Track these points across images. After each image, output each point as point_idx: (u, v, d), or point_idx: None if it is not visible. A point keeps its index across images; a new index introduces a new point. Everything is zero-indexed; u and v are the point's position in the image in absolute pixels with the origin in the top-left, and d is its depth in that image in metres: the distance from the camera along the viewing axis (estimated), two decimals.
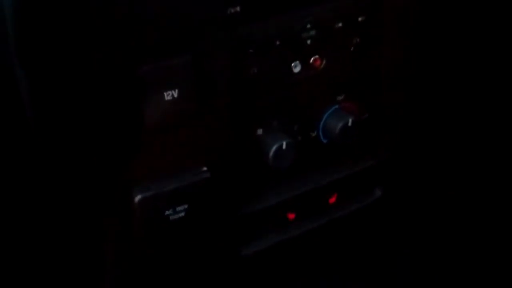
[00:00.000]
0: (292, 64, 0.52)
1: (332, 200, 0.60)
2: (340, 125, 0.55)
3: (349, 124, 0.55)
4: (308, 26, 0.51)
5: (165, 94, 0.43)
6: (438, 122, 0.61)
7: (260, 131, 0.53)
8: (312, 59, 0.53)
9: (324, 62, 0.53)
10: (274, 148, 0.52)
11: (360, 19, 0.53)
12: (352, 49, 0.54)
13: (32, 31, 0.40)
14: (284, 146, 0.52)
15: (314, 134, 0.56)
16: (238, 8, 0.47)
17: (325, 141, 0.57)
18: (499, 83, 0.63)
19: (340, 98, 0.56)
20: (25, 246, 0.46)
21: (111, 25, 0.40)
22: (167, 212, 0.47)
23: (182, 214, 0.47)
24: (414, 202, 0.66)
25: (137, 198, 0.46)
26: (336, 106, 0.56)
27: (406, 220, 0.67)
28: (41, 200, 0.45)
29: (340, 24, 0.52)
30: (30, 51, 0.40)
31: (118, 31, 0.41)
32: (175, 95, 0.43)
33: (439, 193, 0.67)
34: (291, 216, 0.58)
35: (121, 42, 0.41)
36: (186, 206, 0.47)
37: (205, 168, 0.48)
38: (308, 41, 0.51)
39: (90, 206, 0.46)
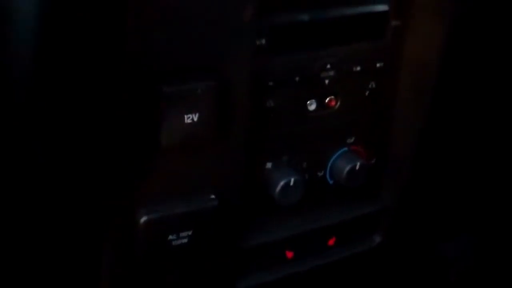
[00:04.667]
0: (308, 102, 0.52)
1: (332, 241, 0.59)
2: (348, 167, 0.55)
3: (357, 167, 0.55)
4: (328, 66, 0.51)
5: (185, 116, 0.42)
6: (445, 175, 0.62)
7: (269, 165, 0.53)
8: (328, 99, 0.53)
9: (339, 103, 0.54)
10: (281, 183, 0.52)
11: (378, 65, 0.54)
12: (367, 93, 0.55)
13: (55, 46, 0.40)
14: (291, 183, 0.52)
15: (321, 174, 0.56)
16: (263, 41, 0.47)
17: (331, 182, 0.57)
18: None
19: (350, 140, 0.56)
20: (24, 259, 0.45)
21: (142, 45, 0.40)
22: (170, 237, 0.46)
23: (185, 240, 0.47)
24: (414, 251, 0.66)
25: (143, 219, 0.45)
26: (346, 149, 0.56)
27: (405, 268, 0.67)
28: (44, 213, 0.44)
29: (358, 68, 0.53)
30: (52, 65, 0.40)
31: (147, 52, 0.41)
32: (195, 119, 0.43)
33: (439, 245, 0.67)
34: (290, 254, 0.57)
35: (148, 62, 0.41)
36: (190, 233, 0.47)
37: (213, 196, 0.48)
38: (326, 81, 0.52)
39: (93, 222, 0.45)
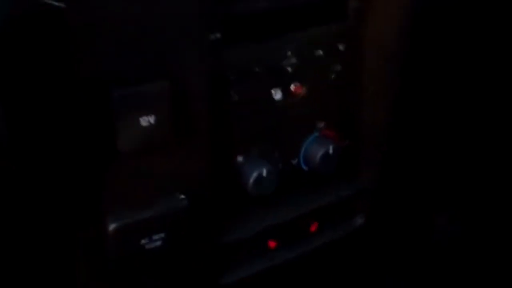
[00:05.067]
0: (273, 91, 0.52)
1: (314, 228, 0.59)
2: (320, 152, 0.54)
3: (330, 151, 0.55)
4: (289, 53, 0.51)
5: (140, 119, 0.42)
6: (420, 149, 0.61)
7: (240, 158, 0.52)
8: (292, 86, 0.53)
9: (304, 89, 0.53)
10: (254, 175, 0.51)
11: (341, 47, 0.53)
12: (333, 76, 0.54)
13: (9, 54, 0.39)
14: (264, 174, 0.52)
15: (295, 162, 0.56)
16: (219, 35, 0.46)
17: (306, 168, 0.56)
18: (485, 110, 0.63)
19: (321, 125, 0.56)
20: None
21: (88, 47, 0.40)
22: (142, 241, 0.46)
23: (159, 243, 0.46)
24: (397, 230, 0.66)
25: (111, 226, 0.45)
26: (317, 134, 0.56)
27: (390, 248, 0.67)
28: (11, 224, 0.44)
29: (320, 52, 0.52)
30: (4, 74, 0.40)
31: (94, 54, 0.40)
32: (152, 121, 0.42)
33: (423, 218, 0.67)
34: (272, 244, 0.57)
35: (96, 66, 0.41)
36: (163, 235, 0.46)
37: (182, 196, 0.47)
38: (289, 69, 0.51)
39: (61, 234, 0.45)
